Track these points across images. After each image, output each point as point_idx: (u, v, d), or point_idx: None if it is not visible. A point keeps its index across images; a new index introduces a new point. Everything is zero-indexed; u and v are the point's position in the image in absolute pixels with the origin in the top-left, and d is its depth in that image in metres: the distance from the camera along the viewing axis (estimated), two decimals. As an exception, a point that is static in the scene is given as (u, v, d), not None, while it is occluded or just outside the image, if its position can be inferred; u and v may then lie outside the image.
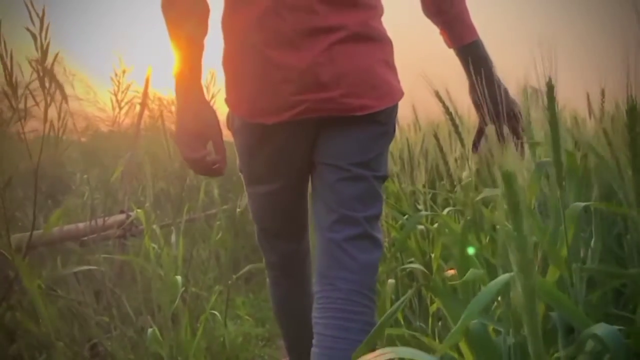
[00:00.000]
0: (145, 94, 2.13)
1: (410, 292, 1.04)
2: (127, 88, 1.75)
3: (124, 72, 1.74)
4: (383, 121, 1.07)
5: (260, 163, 1.12)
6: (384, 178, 1.11)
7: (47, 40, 1.28)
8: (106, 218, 1.86)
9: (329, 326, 1.00)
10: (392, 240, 1.80)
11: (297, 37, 1.00)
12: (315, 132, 1.07)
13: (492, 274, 0.98)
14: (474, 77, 1.09)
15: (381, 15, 1.09)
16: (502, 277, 0.72)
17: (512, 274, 0.52)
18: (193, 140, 1.01)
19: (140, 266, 1.64)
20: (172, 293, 1.56)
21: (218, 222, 2.43)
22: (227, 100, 1.09)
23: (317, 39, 1.00)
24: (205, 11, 1.04)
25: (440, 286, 1.19)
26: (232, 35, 1.06)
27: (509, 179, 0.47)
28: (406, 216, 1.78)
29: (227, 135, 1.12)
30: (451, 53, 1.15)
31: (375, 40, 1.05)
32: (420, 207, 1.79)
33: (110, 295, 1.51)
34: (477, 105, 1.13)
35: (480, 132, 1.17)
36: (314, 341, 1.02)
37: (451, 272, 1.17)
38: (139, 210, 1.71)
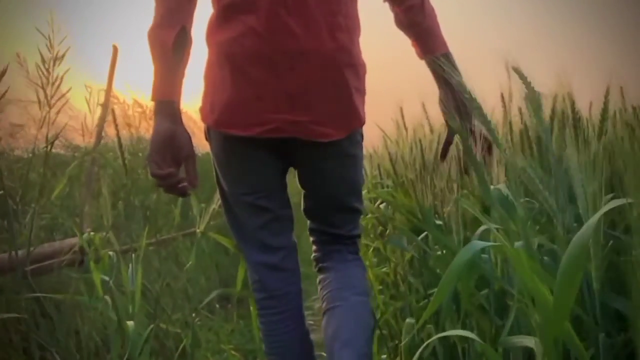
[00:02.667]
0: (109, 90, 1.80)
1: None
2: (60, 81, 1.38)
3: (55, 59, 1.38)
4: (351, 152, 1.17)
5: (236, 169, 1.15)
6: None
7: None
8: (53, 242, 1.51)
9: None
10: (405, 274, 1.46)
11: (276, 58, 1.04)
12: (287, 154, 1.14)
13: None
14: (443, 88, 1.15)
15: (359, 36, 1.13)
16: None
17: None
18: (161, 159, 1.01)
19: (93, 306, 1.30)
20: (132, 337, 1.22)
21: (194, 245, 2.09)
22: (201, 110, 1.14)
23: (294, 62, 1.04)
24: (189, 45, 1.04)
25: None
26: (215, 49, 1.10)
27: None
28: (423, 234, 1.44)
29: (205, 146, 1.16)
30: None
31: (350, 67, 1.09)
32: (439, 222, 1.46)
33: (35, 349, 1.16)
34: (447, 116, 1.16)
35: (448, 142, 1.20)
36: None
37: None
38: (92, 234, 1.37)
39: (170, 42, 0.98)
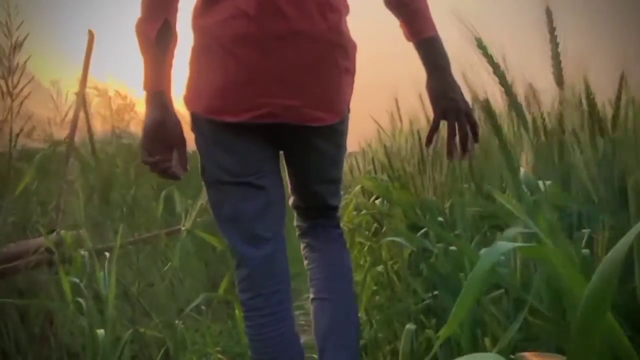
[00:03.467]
0: (84, 79, 1.67)
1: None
2: (22, 70, 1.23)
3: (14, 46, 1.23)
4: (342, 130, 1.16)
5: (228, 154, 1.11)
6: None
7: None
8: (21, 241, 1.39)
9: None
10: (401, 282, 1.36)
11: (266, 40, 1.02)
12: (276, 140, 1.12)
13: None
14: (431, 72, 1.11)
15: (347, 15, 1.12)
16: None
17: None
18: (152, 146, 1.03)
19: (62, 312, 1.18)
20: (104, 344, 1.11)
21: (179, 242, 1.97)
22: (185, 98, 1.12)
23: (286, 43, 1.02)
24: (173, 37, 1.04)
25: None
26: (201, 34, 1.08)
27: None
28: (422, 231, 1.34)
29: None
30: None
31: (341, 47, 1.08)
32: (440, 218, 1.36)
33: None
34: (434, 100, 1.12)
35: (434, 127, 1.14)
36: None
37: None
38: (62, 232, 1.25)
39: (153, 36, 1.00)
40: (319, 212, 1.30)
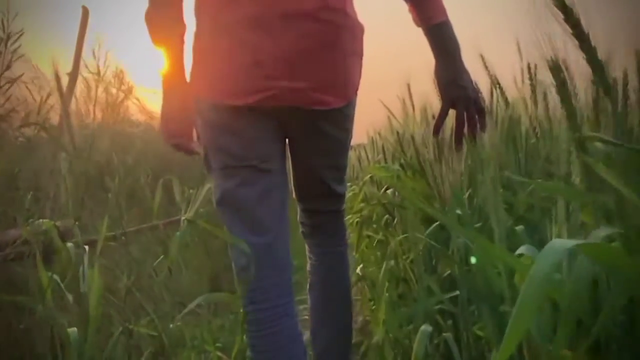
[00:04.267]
0: (78, 58, 1.55)
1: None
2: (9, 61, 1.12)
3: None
4: (349, 114, 1.14)
5: (234, 137, 1.07)
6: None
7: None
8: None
9: None
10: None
11: (272, 20, 0.99)
12: (282, 124, 1.09)
13: None
14: (440, 58, 1.10)
15: None
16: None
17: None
18: (173, 128, 1.08)
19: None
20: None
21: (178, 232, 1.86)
22: (189, 83, 1.09)
23: (292, 24, 1.00)
24: (183, 26, 1.07)
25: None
26: (204, 17, 1.06)
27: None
28: (434, 225, 1.20)
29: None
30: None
31: (348, 29, 1.06)
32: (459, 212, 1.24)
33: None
34: (442, 88, 1.11)
35: (442, 116, 1.11)
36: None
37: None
38: (44, 221, 1.14)
39: (162, 23, 1.04)
40: (324, 203, 1.27)
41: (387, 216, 1.58)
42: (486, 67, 1.62)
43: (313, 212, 1.30)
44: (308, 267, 1.35)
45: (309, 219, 1.31)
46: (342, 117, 1.14)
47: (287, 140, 1.18)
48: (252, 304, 1.09)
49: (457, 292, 1.07)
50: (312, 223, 1.31)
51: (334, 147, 1.19)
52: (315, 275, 1.33)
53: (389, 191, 1.52)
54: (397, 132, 1.47)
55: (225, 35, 1.03)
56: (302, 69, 1.02)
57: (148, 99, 3.47)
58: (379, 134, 2.00)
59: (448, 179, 1.04)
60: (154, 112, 3.45)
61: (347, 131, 1.19)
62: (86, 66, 2.67)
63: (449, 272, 1.22)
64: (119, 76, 2.92)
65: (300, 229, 1.33)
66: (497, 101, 1.57)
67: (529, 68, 1.44)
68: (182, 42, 1.08)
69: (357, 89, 1.14)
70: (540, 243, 0.64)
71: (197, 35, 1.08)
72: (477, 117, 1.07)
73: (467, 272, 0.99)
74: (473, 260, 1.04)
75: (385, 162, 1.86)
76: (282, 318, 1.09)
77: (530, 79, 1.43)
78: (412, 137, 1.55)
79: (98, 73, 2.66)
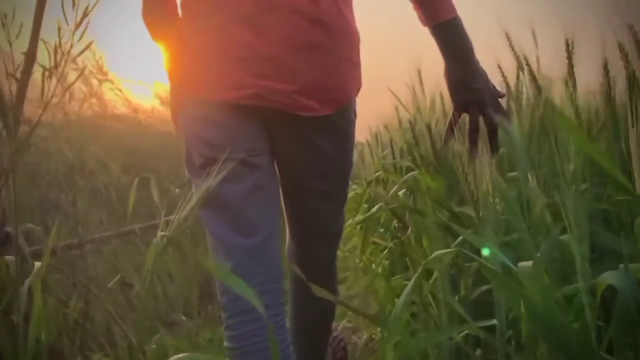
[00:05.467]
0: (36, 36, 1.30)
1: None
2: None
3: None
4: (343, 128, 1.05)
5: (216, 136, 0.99)
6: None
7: None
8: None
9: None
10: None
11: (260, 15, 0.95)
12: (269, 126, 1.02)
13: None
14: (449, 60, 1.03)
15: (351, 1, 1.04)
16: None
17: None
18: (176, 117, 1.06)
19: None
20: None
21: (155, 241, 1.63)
22: (171, 76, 1.06)
23: (281, 20, 0.95)
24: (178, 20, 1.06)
25: None
26: (191, 9, 1.02)
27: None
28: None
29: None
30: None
31: (342, 34, 1.00)
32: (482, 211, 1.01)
33: None
34: (452, 91, 1.03)
35: (454, 122, 1.03)
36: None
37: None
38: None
39: (157, 20, 1.04)
40: (316, 243, 1.17)
41: (397, 222, 1.35)
42: (511, 47, 1.41)
43: (298, 237, 1.18)
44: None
45: (293, 241, 1.20)
46: (334, 128, 1.03)
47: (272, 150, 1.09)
48: (235, 316, 0.96)
49: (494, 321, 0.85)
50: (295, 250, 1.20)
51: (327, 167, 1.07)
52: (294, 307, 1.26)
53: (400, 192, 1.29)
54: (411, 123, 1.24)
55: (210, 29, 0.98)
56: (288, 70, 0.95)
57: (134, 91, 3.23)
58: (386, 126, 1.77)
59: (485, 178, 0.81)
60: (139, 105, 3.22)
61: (344, 151, 1.08)
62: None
63: (478, 292, 0.99)
64: (98, 64, 2.67)
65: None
66: (526, 85, 1.35)
67: (567, 44, 1.22)
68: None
69: (349, 98, 1.04)
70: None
71: (182, 29, 1.03)
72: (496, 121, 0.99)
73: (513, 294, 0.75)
74: (485, 252, 0.97)
75: (394, 158, 1.63)
76: (270, 333, 0.91)
77: (569, 55, 1.21)
78: (428, 128, 1.33)
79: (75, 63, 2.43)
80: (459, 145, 0.87)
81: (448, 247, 1.26)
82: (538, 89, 1.32)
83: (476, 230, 0.87)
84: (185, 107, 1.02)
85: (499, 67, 1.42)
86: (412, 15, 1.09)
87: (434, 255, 0.80)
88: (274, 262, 1.01)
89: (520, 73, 1.38)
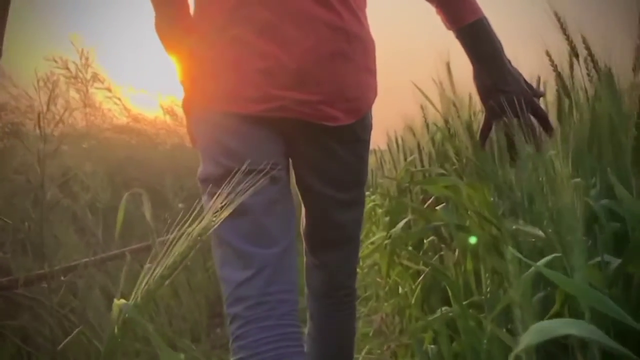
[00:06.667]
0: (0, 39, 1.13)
1: None
2: None
3: None
4: (363, 137, 1.04)
5: (238, 144, 0.97)
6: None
7: None
8: None
9: None
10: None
11: (282, 27, 0.93)
12: (289, 137, 1.00)
13: None
14: (476, 64, 1.01)
15: (365, 7, 1.03)
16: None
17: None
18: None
19: None
20: None
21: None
22: (187, 91, 1.04)
23: (304, 31, 0.93)
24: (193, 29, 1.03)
25: None
26: (209, 21, 0.99)
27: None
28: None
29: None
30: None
31: (362, 42, 0.99)
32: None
33: None
34: (482, 96, 1.01)
35: (487, 128, 1.02)
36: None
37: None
38: None
39: (170, 31, 1.02)
40: (331, 246, 1.14)
41: (438, 241, 1.13)
42: (564, 31, 1.19)
43: (321, 267, 1.17)
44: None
45: (312, 256, 1.19)
46: (353, 137, 1.02)
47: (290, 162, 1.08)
48: (247, 324, 0.91)
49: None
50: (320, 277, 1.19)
51: (347, 176, 1.06)
52: (314, 329, 1.23)
53: (440, 207, 1.06)
54: (447, 121, 1.03)
55: (232, 42, 0.95)
56: (313, 80, 0.94)
57: (137, 101, 3.05)
58: (411, 128, 1.56)
59: (567, 188, 0.59)
60: (140, 114, 3.04)
61: (362, 160, 1.07)
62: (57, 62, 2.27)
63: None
64: (86, 60, 2.49)
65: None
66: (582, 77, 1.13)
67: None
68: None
69: (369, 106, 1.04)
70: None
71: (200, 43, 1.00)
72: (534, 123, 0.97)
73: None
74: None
75: (422, 165, 1.41)
76: (286, 341, 0.92)
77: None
78: (468, 127, 1.11)
79: (67, 68, 2.26)
80: (528, 146, 0.69)
81: (497, 271, 1.04)
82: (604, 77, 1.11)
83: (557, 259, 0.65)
84: (204, 119, 1.00)
85: (547, 54, 1.21)
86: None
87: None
88: (291, 273, 0.99)
89: (574, 60, 1.16)
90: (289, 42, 0.93)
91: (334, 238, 1.13)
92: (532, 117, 0.99)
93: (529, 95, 0.99)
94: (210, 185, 0.97)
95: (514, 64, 1.07)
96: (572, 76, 1.12)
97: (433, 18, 1.10)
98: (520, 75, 1.02)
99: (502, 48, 1.01)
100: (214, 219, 0.64)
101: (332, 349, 1.22)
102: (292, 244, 1.01)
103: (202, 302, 2.79)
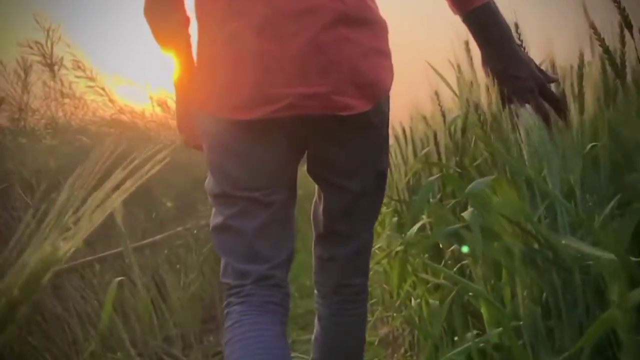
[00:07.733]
0: None
1: None
2: None
3: None
4: (377, 123, 1.02)
5: (234, 167, 0.99)
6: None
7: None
8: None
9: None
10: None
11: (282, 21, 0.92)
12: (301, 134, 1.00)
13: None
14: (484, 48, 1.00)
15: None
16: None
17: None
18: (180, 124, 1.11)
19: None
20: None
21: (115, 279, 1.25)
22: (179, 88, 1.10)
23: (305, 22, 0.92)
24: (186, 20, 1.05)
25: None
26: (206, 23, 1.00)
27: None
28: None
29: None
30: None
31: (368, 24, 0.97)
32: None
33: None
34: (495, 81, 0.98)
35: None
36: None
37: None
38: None
39: (160, 19, 1.01)
40: (343, 241, 1.10)
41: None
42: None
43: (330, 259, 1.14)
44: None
45: (323, 249, 1.15)
46: (367, 124, 0.99)
47: (304, 156, 1.07)
48: (240, 303, 0.97)
49: None
50: (324, 254, 1.14)
51: (360, 165, 1.04)
52: (321, 334, 1.19)
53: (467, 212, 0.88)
54: (477, 105, 0.86)
55: (231, 42, 0.94)
56: (317, 71, 0.92)
57: (120, 91, 2.88)
58: (425, 117, 1.39)
59: None
60: (125, 106, 2.86)
61: (378, 148, 1.05)
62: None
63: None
64: (81, 65, 2.33)
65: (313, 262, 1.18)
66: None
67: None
68: (188, 40, 1.04)
69: (385, 91, 1.01)
70: None
71: (199, 44, 1.01)
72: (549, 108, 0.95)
73: None
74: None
75: (440, 159, 1.23)
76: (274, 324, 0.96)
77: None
78: (495, 117, 0.93)
79: (43, 55, 2.08)
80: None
81: (532, 284, 0.87)
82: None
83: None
84: (206, 128, 1.00)
85: (593, 27, 1.02)
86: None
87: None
88: (284, 286, 1.02)
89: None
90: (288, 35, 0.92)
91: (345, 229, 1.10)
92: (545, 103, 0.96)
93: (541, 80, 0.97)
94: (211, 198, 1.02)
95: (552, 35, 1.03)
96: (623, 52, 0.94)
97: (442, 3, 1.05)
98: (531, 60, 1.00)
99: (511, 32, 0.99)
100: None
101: (338, 355, 1.16)
102: (289, 258, 1.03)
103: (195, 305, 2.66)
